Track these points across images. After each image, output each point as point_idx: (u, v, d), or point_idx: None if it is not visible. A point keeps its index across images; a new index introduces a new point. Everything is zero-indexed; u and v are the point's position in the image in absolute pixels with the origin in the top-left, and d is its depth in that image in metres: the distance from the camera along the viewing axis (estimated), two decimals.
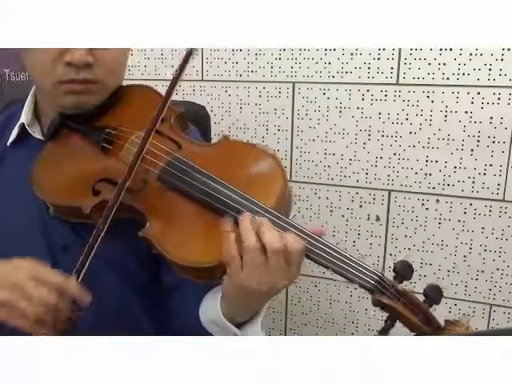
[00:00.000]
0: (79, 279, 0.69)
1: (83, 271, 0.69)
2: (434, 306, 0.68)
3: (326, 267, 0.66)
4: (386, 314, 0.67)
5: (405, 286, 0.67)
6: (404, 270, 0.67)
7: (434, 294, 0.66)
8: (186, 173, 0.72)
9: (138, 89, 0.89)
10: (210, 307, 0.74)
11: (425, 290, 0.67)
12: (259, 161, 0.74)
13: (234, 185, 0.70)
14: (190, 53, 0.73)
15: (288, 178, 1.42)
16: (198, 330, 0.75)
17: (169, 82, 0.74)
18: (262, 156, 0.74)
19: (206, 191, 0.70)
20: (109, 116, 0.84)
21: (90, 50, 0.75)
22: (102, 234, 0.70)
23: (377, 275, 0.65)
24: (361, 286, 0.66)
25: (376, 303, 0.65)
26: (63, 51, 0.75)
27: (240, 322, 0.72)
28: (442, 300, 0.67)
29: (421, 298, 0.67)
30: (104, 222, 0.70)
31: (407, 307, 0.65)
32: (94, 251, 0.69)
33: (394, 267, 0.68)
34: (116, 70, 0.83)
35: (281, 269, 0.64)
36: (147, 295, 0.85)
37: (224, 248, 0.65)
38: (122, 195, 0.71)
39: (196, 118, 1.15)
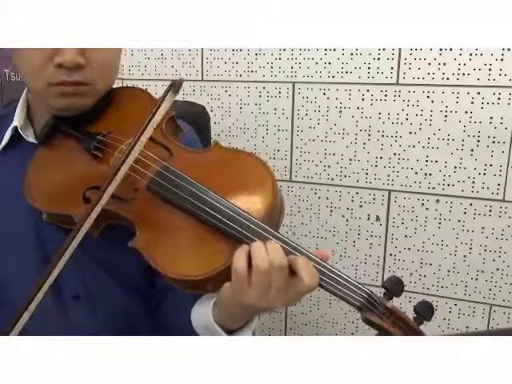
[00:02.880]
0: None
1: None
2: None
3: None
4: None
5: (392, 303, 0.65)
6: (394, 287, 0.65)
7: (425, 311, 0.64)
8: (174, 183, 0.70)
9: (130, 91, 0.87)
10: (203, 313, 0.73)
11: (415, 307, 0.65)
12: (249, 169, 0.72)
13: (223, 195, 0.68)
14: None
15: (288, 178, 1.43)
16: (188, 332, 0.74)
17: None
18: (251, 164, 0.73)
19: (194, 203, 0.68)
20: (101, 121, 0.82)
21: (81, 51, 0.73)
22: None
23: (366, 293, 0.64)
24: (348, 303, 0.64)
25: (365, 321, 0.64)
26: (53, 53, 0.73)
27: (232, 329, 0.72)
28: (432, 317, 0.65)
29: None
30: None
31: (396, 325, 0.63)
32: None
33: (384, 284, 0.66)
34: (107, 72, 0.80)
35: (283, 290, 0.63)
36: (146, 300, 0.85)
37: (235, 265, 0.63)
38: (112, 203, 0.69)
39: (196, 118, 1.15)
